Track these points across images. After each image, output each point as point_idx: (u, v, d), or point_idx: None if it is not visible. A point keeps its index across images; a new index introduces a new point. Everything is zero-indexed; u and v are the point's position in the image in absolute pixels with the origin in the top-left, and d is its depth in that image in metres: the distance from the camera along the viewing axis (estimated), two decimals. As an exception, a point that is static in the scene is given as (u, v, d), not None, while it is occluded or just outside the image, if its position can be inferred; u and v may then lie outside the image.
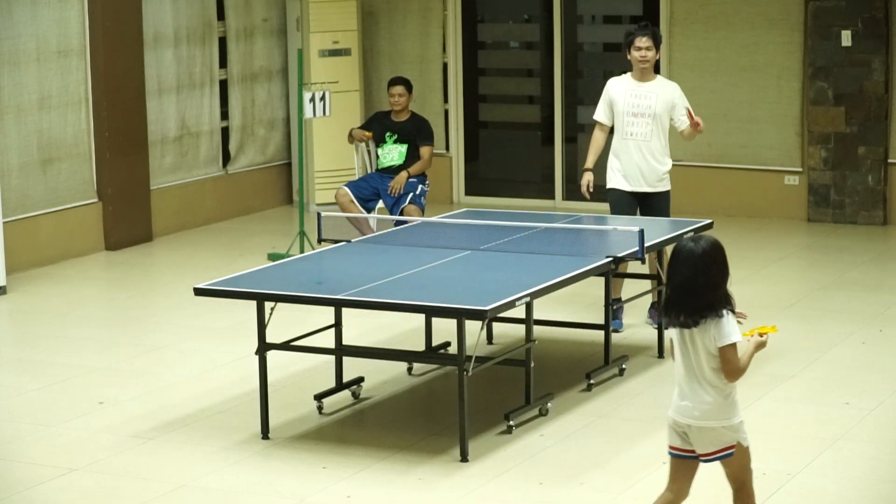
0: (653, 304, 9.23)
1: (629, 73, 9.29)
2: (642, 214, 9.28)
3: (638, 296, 9.13)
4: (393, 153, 11.39)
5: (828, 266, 11.21)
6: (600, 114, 9.36)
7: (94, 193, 12.07)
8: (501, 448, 7.09)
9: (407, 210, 11.16)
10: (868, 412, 7.56)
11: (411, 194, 11.25)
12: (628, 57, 9.23)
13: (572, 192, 13.39)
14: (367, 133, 11.46)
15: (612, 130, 9.41)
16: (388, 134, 11.42)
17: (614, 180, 9.29)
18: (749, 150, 13.12)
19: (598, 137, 9.39)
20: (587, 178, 9.30)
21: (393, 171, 11.36)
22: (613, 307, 8.86)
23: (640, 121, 9.16)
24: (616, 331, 9.04)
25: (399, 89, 11.37)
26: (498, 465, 6.87)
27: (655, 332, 8.77)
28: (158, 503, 6.49)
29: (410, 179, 11.27)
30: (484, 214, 9.61)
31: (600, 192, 9.39)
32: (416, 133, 11.38)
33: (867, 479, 6.68)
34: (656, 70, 9.38)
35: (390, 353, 8.24)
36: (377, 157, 11.50)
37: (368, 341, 8.96)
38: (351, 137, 11.56)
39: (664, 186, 9.28)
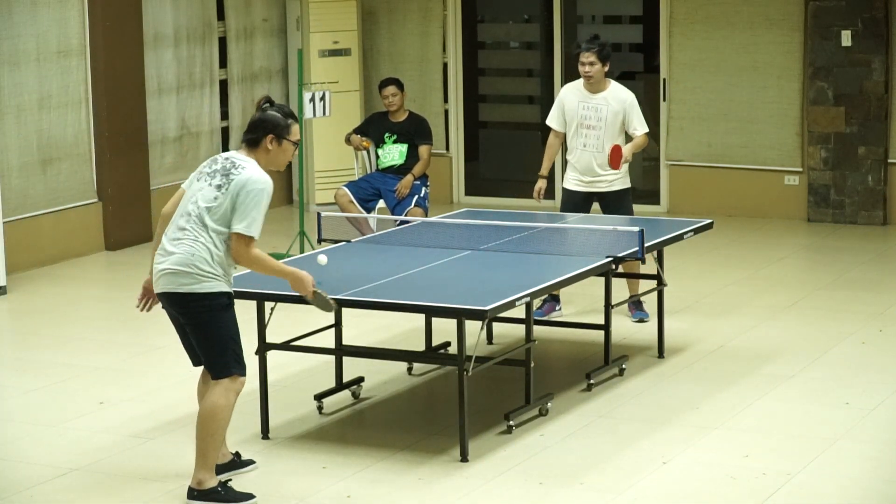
0: (633, 301, 9.46)
1: (581, 80, 9.41)
2: (603, 212, 9.52)
3: (638, 295, 9.14)
4: (393, 153, 11.39)
5: (828, 266, 11.21)
6: (553, 120, 9.59)
7: (94, 193, 12.07)
8: (501, 448, 7.09)
9: (412, 212, 11.17)
10: (868, 412, 7.56)
11: (416, 196, 11.27)
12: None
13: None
14: (365, 143, 11.46)
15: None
16: (387, 135, 11.42)
17: (568, 181, 9.55)
18: (749, 150, 13.13)
19: (552, 144, 9.64)
20: (539, 185, 9.59)
21: (394, 170, 11.37)
22: (632, 300, 9.34)
23: (592, 132, 9.39)
24: (643, 320, 9.34)
25: (391, 90, 11.38)
26: (498, 465, 6.87)
27: (656, 332, 8.77)
28: (158, 503, 6.49)
29: (414, 182, 11.30)
30: (484, 214, 9.61)
31: (554, 195, 9.62)
32: (414, 132, 11.38)
33: (867, 479, 6.68)
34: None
35: (390, 353, 8.24)
36: (377, 157, 11.50)
37: (368, 341, 8.96)
38: (348, 141, 11.57)
39: (621, 185, 9.44)
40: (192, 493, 6.38)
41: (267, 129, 6.40)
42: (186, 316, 6.34)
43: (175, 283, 6.27)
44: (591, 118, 9.37)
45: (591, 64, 9.28)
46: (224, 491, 6.39)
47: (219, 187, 6.26)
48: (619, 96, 9.37)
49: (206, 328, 6.32)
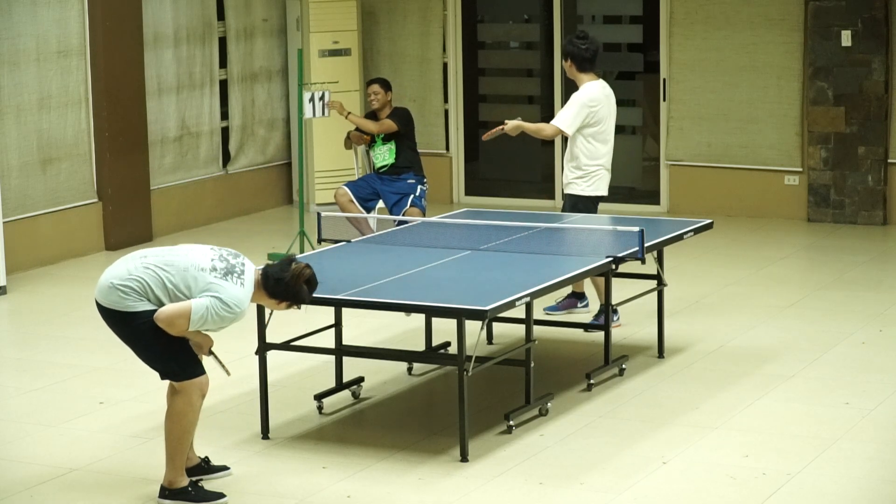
0: (572, 295, 9.64)
1: None
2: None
3: (638, 295, 9.13)
4: (384, 153, 11.39)
5: (828, 266, 11.21)
6: None
7: (94, 193, 12.07)
8: (501, 448, 7.09)
9: (409, 213, 11.16)
10: (868, 412, 7.56)
11: (412, 196, 11.25)
12: None
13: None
14: (366, 137, 11.45)
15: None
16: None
17: None
18: (749, 150, 13.13)
19: None
20: None
21: (387, 170, 11.36)
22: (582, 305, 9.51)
23: None
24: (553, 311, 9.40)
25: (374, 88, 11.39)
26: (498, 465, 6.87)
27: (656, 332, 8.77)
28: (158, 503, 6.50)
29: (409, 181, 11.28)
30: (484, 214, 9.61)
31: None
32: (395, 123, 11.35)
33: (867, 479, 6.68)
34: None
35: (390, 353, 8.24)
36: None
37: (368, 341, 8.97)
38: (348, 141, 11.56)
39: (570, 189, 9.35)
40: (164, 493, 6.50)
41: (288, 298, 6.42)
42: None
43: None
44: None
45: (564, 60, 9.31)
46: (194, 491, 6.49)
47: (213, 269, 6.30)
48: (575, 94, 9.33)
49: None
